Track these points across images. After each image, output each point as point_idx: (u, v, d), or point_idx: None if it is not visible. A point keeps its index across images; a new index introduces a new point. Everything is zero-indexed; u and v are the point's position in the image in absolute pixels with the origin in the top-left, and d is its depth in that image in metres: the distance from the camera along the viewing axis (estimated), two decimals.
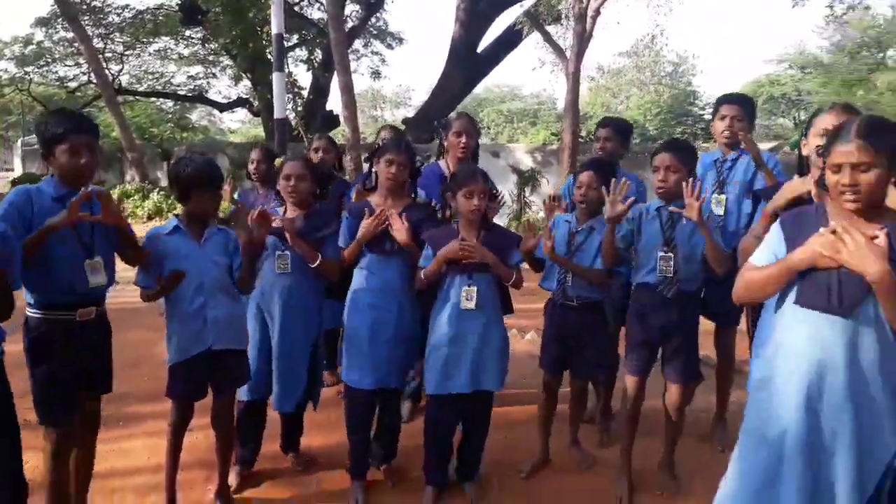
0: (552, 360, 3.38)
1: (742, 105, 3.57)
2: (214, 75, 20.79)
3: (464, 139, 3.66)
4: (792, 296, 1.98)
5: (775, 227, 2.09)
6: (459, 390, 2.97)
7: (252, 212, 2.92)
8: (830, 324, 1.89)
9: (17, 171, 18.73)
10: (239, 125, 36.53)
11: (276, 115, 9.75)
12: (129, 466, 3.38)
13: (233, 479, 3.21)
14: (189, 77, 21.16)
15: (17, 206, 2.39)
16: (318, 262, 3.09)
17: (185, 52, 19.88)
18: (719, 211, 3.49)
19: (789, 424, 1.96)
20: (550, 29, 12.19)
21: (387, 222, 3.05)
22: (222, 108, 21.08)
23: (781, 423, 1.98)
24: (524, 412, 3.94)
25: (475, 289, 2.95)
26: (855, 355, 1.86)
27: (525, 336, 5.67)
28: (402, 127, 15.36)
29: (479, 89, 27.23)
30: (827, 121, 2.48)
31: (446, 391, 2.98)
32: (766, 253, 2.05)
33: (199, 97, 21.16)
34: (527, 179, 11.38)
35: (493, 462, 3.39)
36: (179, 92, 21.31)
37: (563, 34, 12.33)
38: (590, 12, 10.32)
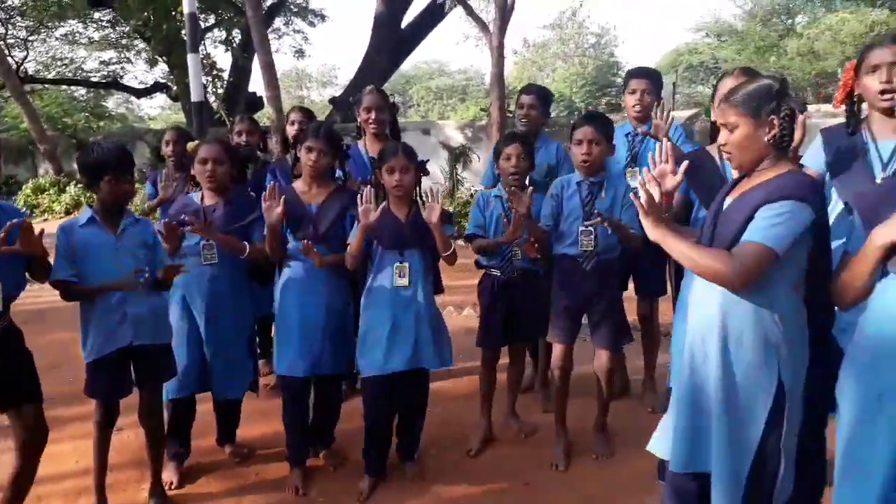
0: (494, 335, 3.40)
1: (650, 79, 3.68)
2: (129, 60, 19.80)
3: (373, 115, 3.60)
4: None
5: None
6: (396, 368, 2.94)
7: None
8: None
9: None
10: (158, 111, 35.08)
11: (193, 98, 9.40)
12: (56, 472, 3.23)
13: (172, 476, 3.13)
14: (101, 62, 20.07)
15: None
16: (247, 252, 3.01)
17: (95, 35, 18.83)
18: (634, 183, 3.56)
19: (680, 376, 2.09)
20: (473, 2, 12.12)
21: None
22: (139, 94, 20.19)
23: (679, 375, 2.11)
24: (461, 387, 3.97)
25: (407, 265, 2.95)
26: (730, 307, 1.93)
27: (462, 312, 5.71)
28: (330, 107, 15.11)
29: (407, 66, 26.93)
30: (727, 85, 2.55)
31: (382, 371, 2.95)
32: None
33: (114, 83, 20.12)
34: (458, 156, 11.36)
35: (430, 437, 3.40)
36: (92, 78, 20.20)
37: (486, 7, 12.31)
38: None
